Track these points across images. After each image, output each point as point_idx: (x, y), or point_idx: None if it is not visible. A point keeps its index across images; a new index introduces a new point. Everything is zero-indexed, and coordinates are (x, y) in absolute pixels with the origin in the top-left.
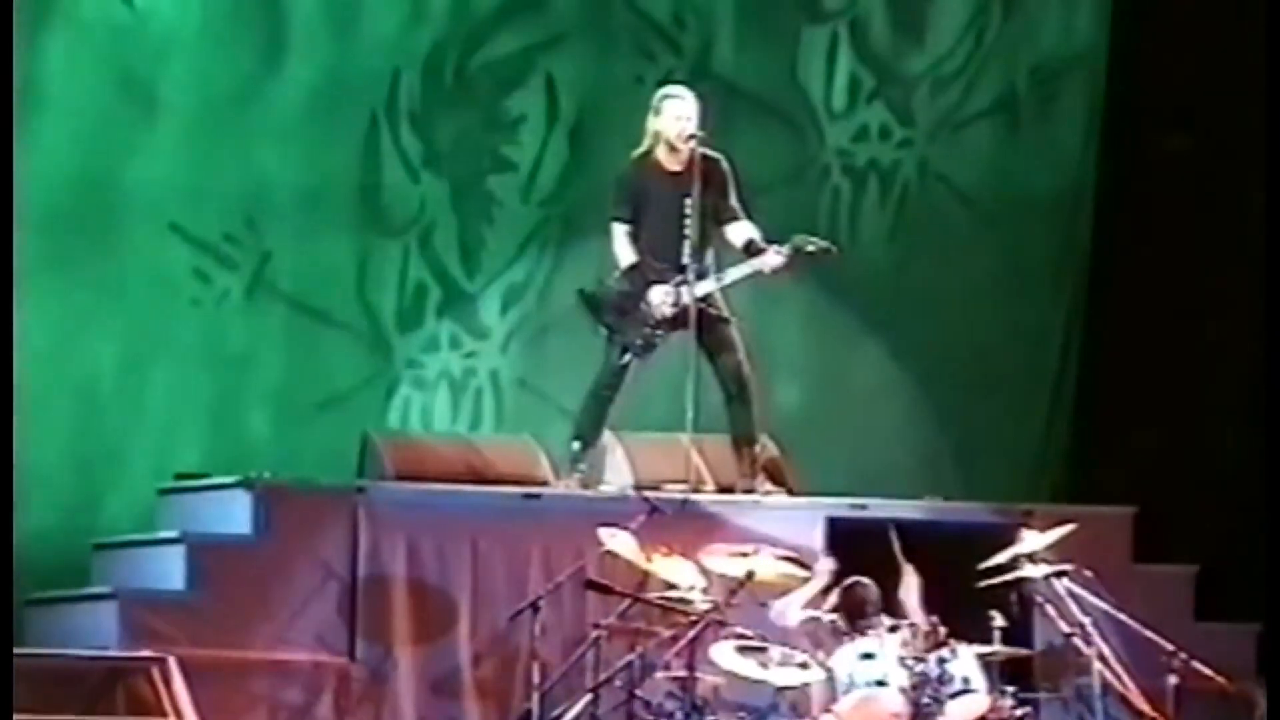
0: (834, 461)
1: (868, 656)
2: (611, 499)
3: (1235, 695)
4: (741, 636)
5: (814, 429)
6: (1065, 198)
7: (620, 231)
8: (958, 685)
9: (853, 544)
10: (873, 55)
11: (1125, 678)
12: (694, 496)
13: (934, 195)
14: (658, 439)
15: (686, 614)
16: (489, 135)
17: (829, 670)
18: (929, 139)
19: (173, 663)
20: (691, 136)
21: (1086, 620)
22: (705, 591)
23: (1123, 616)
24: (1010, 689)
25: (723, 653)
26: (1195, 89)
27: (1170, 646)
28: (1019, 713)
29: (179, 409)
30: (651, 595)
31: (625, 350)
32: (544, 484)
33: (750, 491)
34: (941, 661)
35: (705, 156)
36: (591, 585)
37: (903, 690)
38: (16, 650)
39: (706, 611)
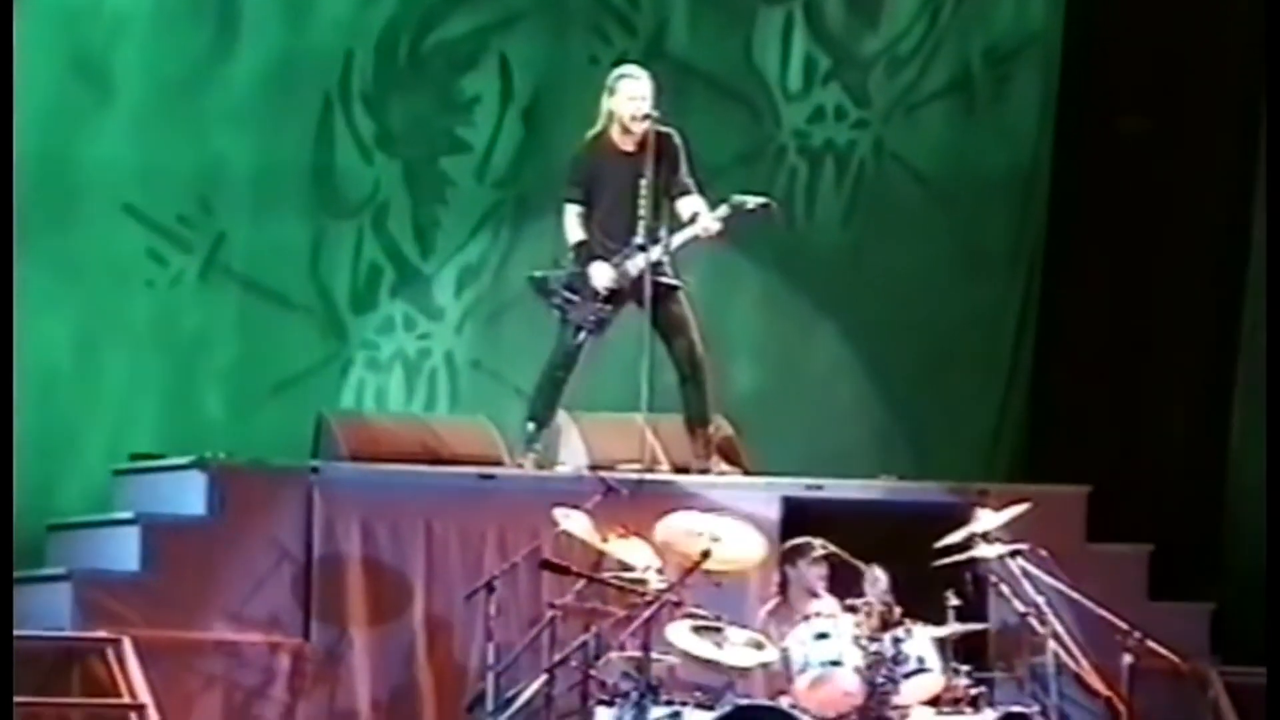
0: (789, 442)
1: (822, 636)
2: (566, 479)
3: (1189, 674)
4: (697, 616)
5: (769, 409)
6: (1020, 178)
7: (571, 212)
8: (913, 665)
9: (808, 524)
10: (828, 36)
11: (1080, 657)
12: (649, 476)
13: (889, 176)
14: (613, 419)
15: (642, 594)
16: (443, 116)
17: (784, 651)
18: (884, 120)
19: (127, 643)
20: (647, 117)
21: (1041, 599)
22: (660, 572)
23: (1077, 595)
24: (965, 668)
25: (678, 633)
26: (1149, 70)
27: (1124, 625)
28: (974, 692)
29: (134, 390)
30: (607, 575)
31: (579, 330)
32: (499, 464)
33: (705, 472)
34: (896, 641)
35: (658, 132)
36: (546, 565)
37: (858, 670)
38: None
39: (662, 591)
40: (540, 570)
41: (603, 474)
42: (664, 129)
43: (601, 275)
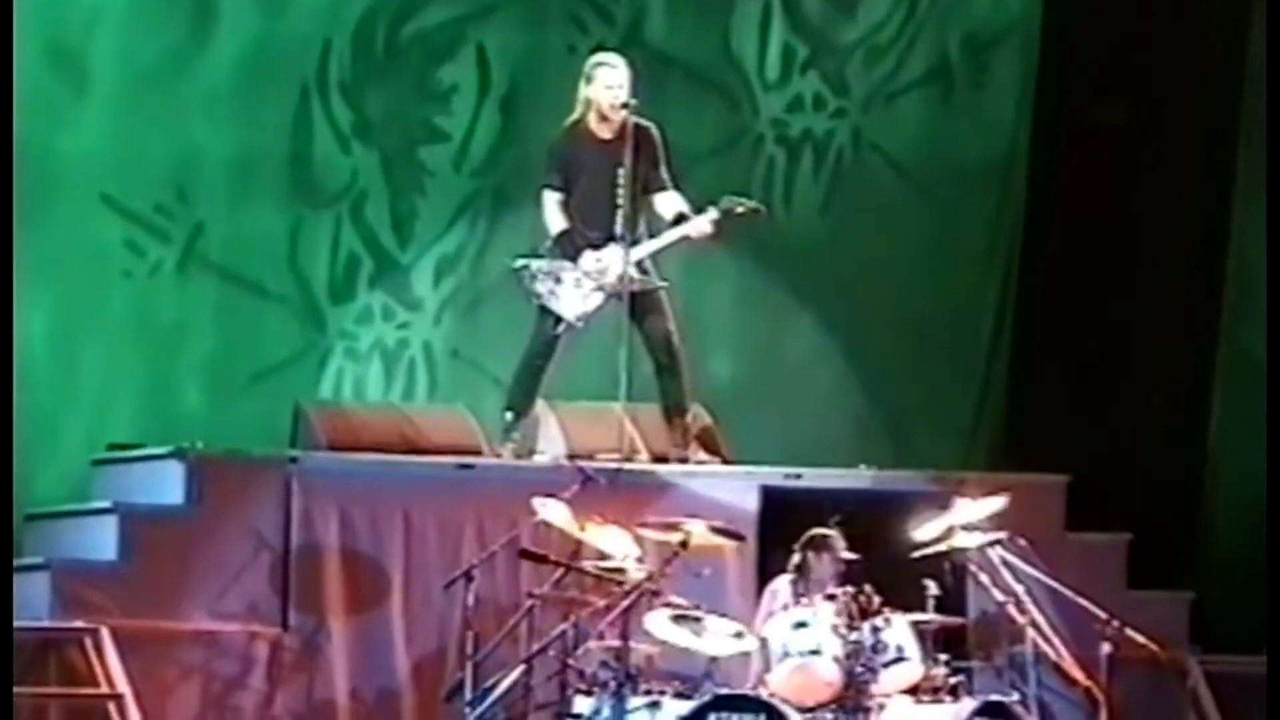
0: (767, 432)
1: (801, 625)
2: (545, 468)
3: (1168, 662)
4: (676, 606)
5: (747, 399)
6: (998, 167)
7: (551, 199)
8: (892, 654)
9: (787, 513)
10: (806, 25)
11: (1059, 646)
12: (628, 466)
13: (868, 165)
14: (591, 408)
15: (620, 583)
16: (420, 105)
17: (763, 640)
18: (863, 109)
19: (105, 633)
20: (624, 105)
21: (1020, 589)
22: (639, 561)
23: (1056, 585)
24: (944, 657)
25: (657, 622)
26: (1127, 58)
27: (1103, 614)
28: (953, 681)
29: (111, 380)
30: (585, 564)
31: (559, 320)
32: (477, 454)
33: (684, 461)
34: (875, 630)
35: (637, 125)
36: (525, 555)
37: (836, 659)
38: None
39: (640, 581)
40: (519, 559)
41: (581, 463)
42: (642, 122)
43: (592, 268)
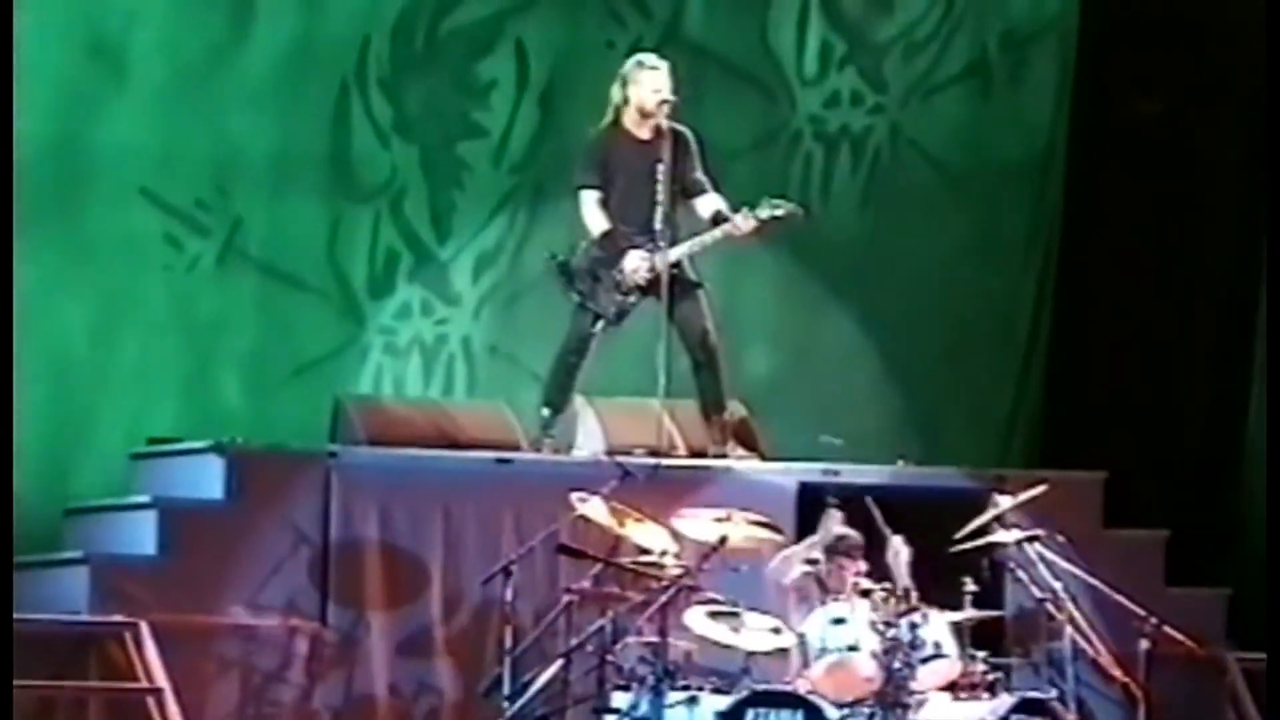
0: (804, 428)
1: (839, 621)
2: (583, 464)
3: (1206, 659)
4: (713, 601)
5: (784, 395)
6: (1037, 163)
7: (590, 198)
8: (929, 650)
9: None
10: (844, 21)
11: (1096, 643)
12: (666, 461)
13: (906, 161)
14: (629, 404)
15: (659, 579)
16: (459, 101)
17: (801, 636)
18: (901, 105)
19: (144, 627)
20: (665, 102)
21: (1058, 585)
22: (677, 556)
23: (1094, 581)
24: (981, 654)
25: (695, 618)
26: (1166, 54)
27: (1141, 611)
28: (990, 677)
29: (151, 375)
30: (624, 560)
31: (597, 318)
32: (516, 449)
33: (722, 457)
34: (913, 626)
35: (674, 130)
36: (563, 550)
37: (874, 655)
38: None
39: (678, 576)
40: (557, 555)
41: (619, 459)
42: (678, 127)
43: (636, 267)
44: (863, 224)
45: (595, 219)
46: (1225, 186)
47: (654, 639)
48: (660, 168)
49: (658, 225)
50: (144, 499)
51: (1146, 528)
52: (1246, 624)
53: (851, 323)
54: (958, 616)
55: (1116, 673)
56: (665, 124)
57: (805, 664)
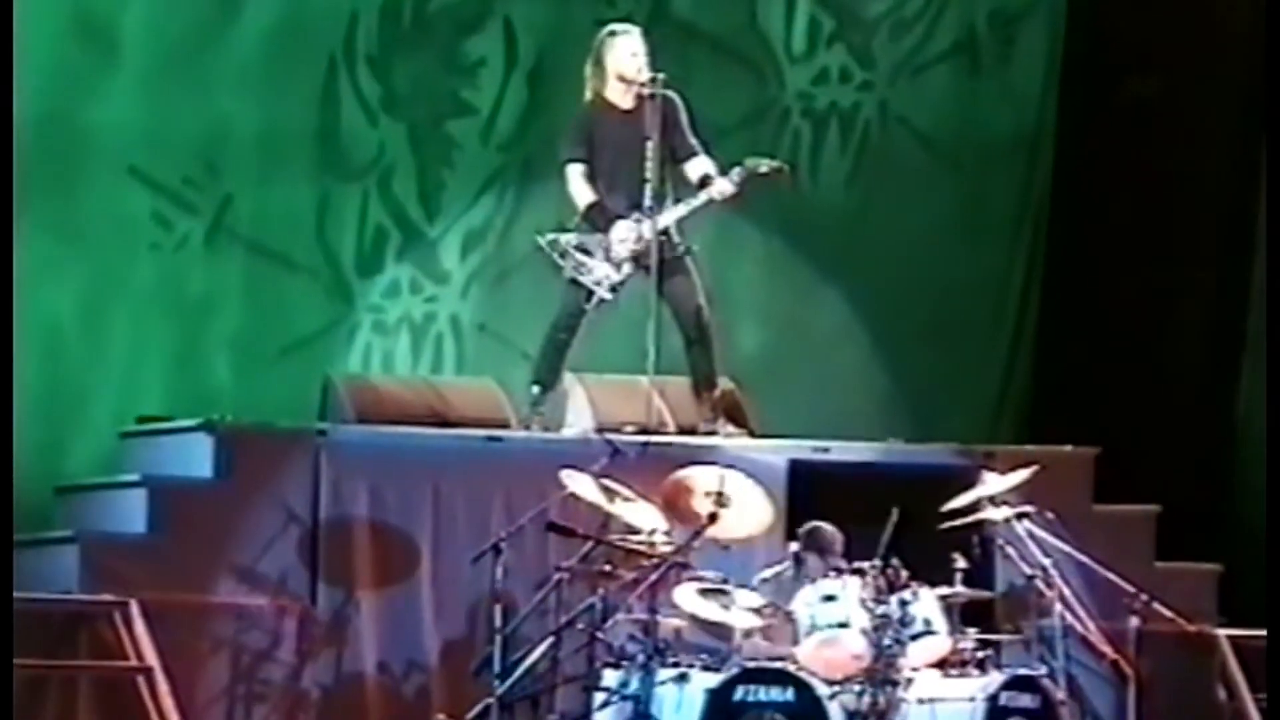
0: (794, 405)
1: (829, 599)
2: (573, 441)
3: (1196, 636)
4: (703, 579)
5: (773, 372)
6: (1025, 141)
7: (576, 171)
8: (919, 627)
9: (814, 487)
10: None
11: (1087, 619)
12: (656, 439)
13: (894, 139)
14: (619, 381)
15: (649, 556)
16: (448, 78)
17: (790, 613)
18: (889, 82)
19: (135, 606)
20: (652, 79)
21: (1048, 562)
22: (668, 534)
23: (1084, 558)
24: (971, 631)
25: (685, 595)
26: (1154, 32)
27: (1131, 588)
28: (980, 655)
29: (140, 353)
30: (614, 538)
31: (589, 295)
32: (505, 427)
33: (712, 434)
34: (903, 604)
35: (663, 97)
36: (553, 528)
37: (864, 632)
38: None
39: (669, 554)
40: (547, 533)
41: (609, 436)
42: (666, 92)
43: (623, 239)
44: (851, 201)
45: (581, 192)
46: (1215, 163)
47: (644, 617)
48: (649, 145)
49: (646, 195)
50: (134, 478)
51: (1137, 504)
52: (1237, 600)
53: (840, 300)
54: (948, 593)
55: (1106, 649)
56: (650, 91)
57: (795, 641)
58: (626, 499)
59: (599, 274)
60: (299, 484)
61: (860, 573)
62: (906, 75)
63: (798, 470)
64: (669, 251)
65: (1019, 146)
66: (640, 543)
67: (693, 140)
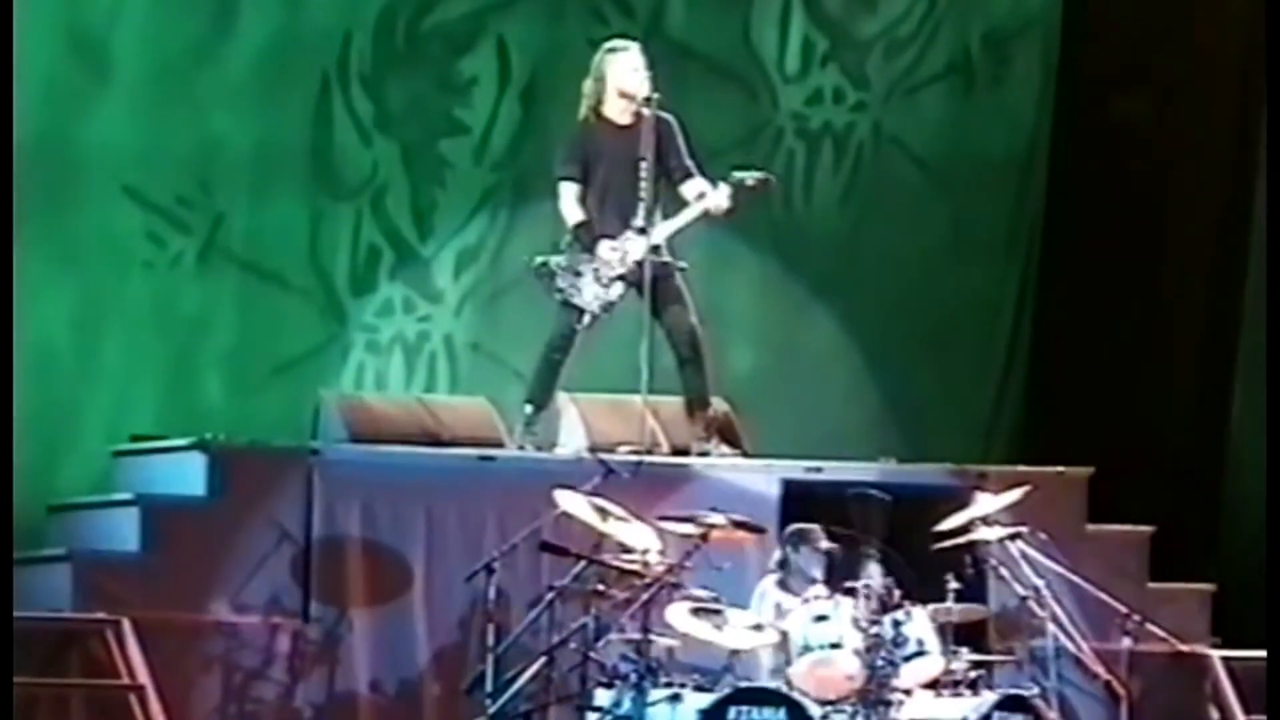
0: (787, 424)
1: (822, 619)
2: (566, 461)
3: (1189, 656)
4: (696, 599)
5: (766, 391)
6: (1019, 161)
7: (569, 190)
8: (912, 647)
9: (808, 506)
10: (826, 18)
11: (1079, 640)
12: (649, 458)
13: (888, 159)
14: (612, 401)
15: (641, 576)
16: (441, 98)
17: (783, 633)
18: (883, 102)
19: (127, 624)
20: (648, 99)
21: (1041, 582)
22: (660, 554)
23: (1077, 578)
24: (964, 651)
25: (678, 615)
26: (1148, 52)
27: (1124, 608)
28: (973, 675)
29: (133, 372)
30: (606, 557)
31: (581, 315)
32: (499, 446)
33: (705, 454)
34: (896, 624)
35: (658, 118)
36: (546, 547)
37: (857, 653)
38: None
39: (661, 574)
40: (540, 552)
41: (602, 456)
42: (663, 114)
43: (609, 256)
44: (845, 221)
45: (571, 211)
46: (1207, 184)
47: (637, 636)
48: (644, 166)
49: (640, 214)
50: (126, 496)
51: (1129, 524)
52: (1230, 621)
53: (834, 319)
54: (941, 613)
55: (1099, 670)
56: (647, 112)
57: (788, 661)
58: (619, 518)
59: (589, 294)
60: (292, 503)
61: (853, 593)
62: (900, 96)
63: (791, 490)
64: (659, 269)
65: (1012, 167)
66: (633, 562)
67: (689, 162)
